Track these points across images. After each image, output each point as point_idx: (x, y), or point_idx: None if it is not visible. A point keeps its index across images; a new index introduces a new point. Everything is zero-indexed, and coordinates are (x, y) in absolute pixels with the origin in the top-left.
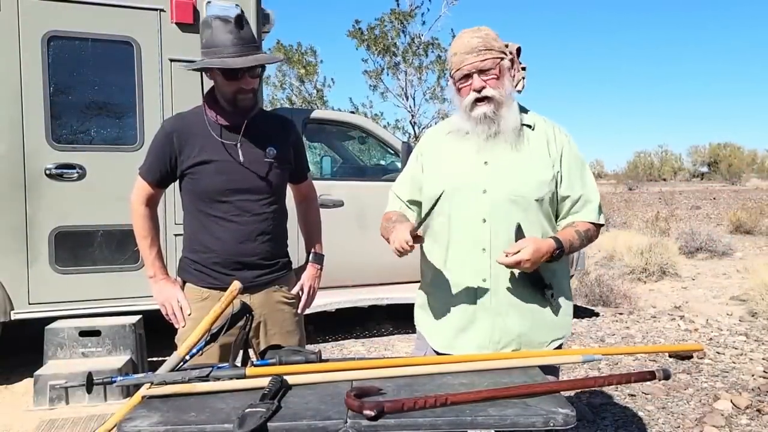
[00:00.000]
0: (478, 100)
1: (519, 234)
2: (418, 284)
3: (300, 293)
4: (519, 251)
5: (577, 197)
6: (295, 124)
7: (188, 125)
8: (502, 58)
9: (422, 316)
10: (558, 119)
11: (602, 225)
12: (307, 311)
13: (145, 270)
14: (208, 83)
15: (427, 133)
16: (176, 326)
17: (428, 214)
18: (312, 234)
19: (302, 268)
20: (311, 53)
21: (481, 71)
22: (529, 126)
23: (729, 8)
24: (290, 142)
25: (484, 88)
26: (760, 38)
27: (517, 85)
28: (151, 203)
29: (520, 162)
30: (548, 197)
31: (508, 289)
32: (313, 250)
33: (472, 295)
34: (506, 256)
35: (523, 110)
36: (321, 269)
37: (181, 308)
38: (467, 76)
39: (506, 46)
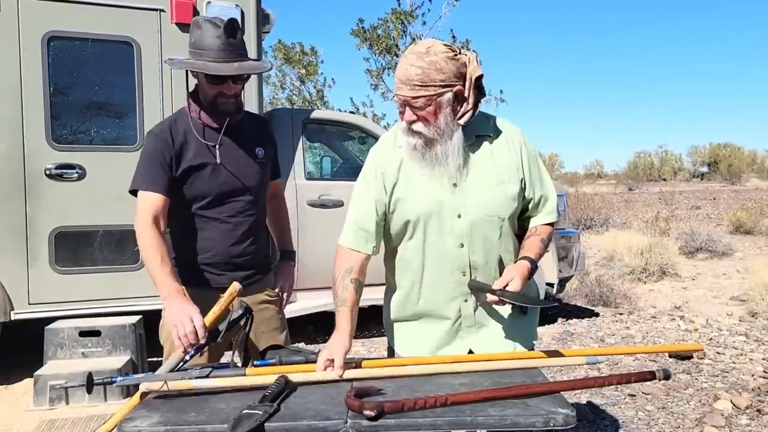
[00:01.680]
0: (409, 130)
1: (501, 266)
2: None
3: (281, 291)
4: (507, 285)
5: (539, 198)
6: (268, 122)
7: (179, 130)
8: (440, 94)
9: (397, 331)
10: (558, 119)
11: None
12: (308, 311)
13: (158, 290)
14: (193, 83)
15: (378, 149)
16: (183, 352)
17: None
18: (284, 230)
19: (277, 266)
20: (312, 53)
21: (413, 106)
22: (489, 136)
23: (729, 8)
24: (270, 140)
25: (414, 122)
26: (760, 38)
27: (461, 117)
28: (160, 221)
29: (488, 180)
30: (516, 209)
31: (489, 308)
32: (286, 247)
33: (455, 315)
34: (495, 292)
35: (482, 118)
36: (294, 265)
37: (195, 331)
38: (402, 104)
39: (464, 66)
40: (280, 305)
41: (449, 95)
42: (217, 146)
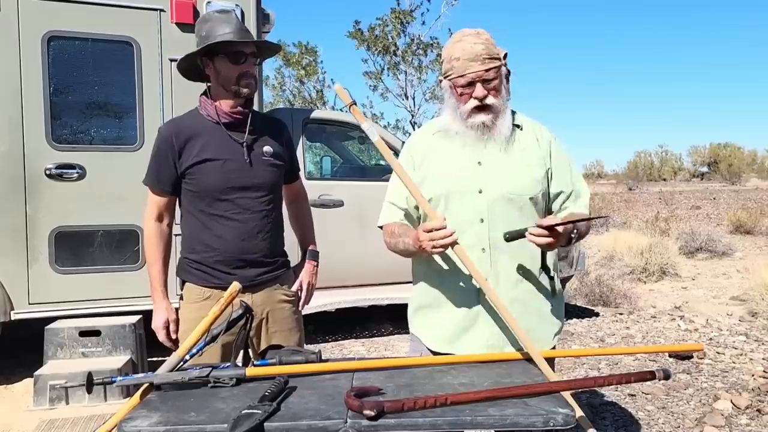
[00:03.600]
0: (478, 108)
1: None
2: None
3: (299, 291)
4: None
5: (569, 192)
6: (286, 126)
7: (185, 127)
8: (501, 66)
9: (419, 318)
10: (558, 119)
11: None
12: (308, 311)
13: (149, 283)
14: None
15: (413, 136)
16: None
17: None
18: (306, 232)
19: (299, 266)
20: (311, 53)
21: (485, 80)
22: (517, 126)
23: (729, 8)
24: (284, 142)
25: (486, 97)
26: (760, 38)
27: (509, 94)
28: (164, 217)
29: (512, 161)
30: (540, 195)
31: (510, 287)
32: (308, 248)
33: (475, 294)
34: (529, 228)
35: (511, 112)
36: (317, 265)
37: (170, 333)
38: (470, 84)
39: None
40: (297, 305)
41: (504, 69)
42: (233, 141)
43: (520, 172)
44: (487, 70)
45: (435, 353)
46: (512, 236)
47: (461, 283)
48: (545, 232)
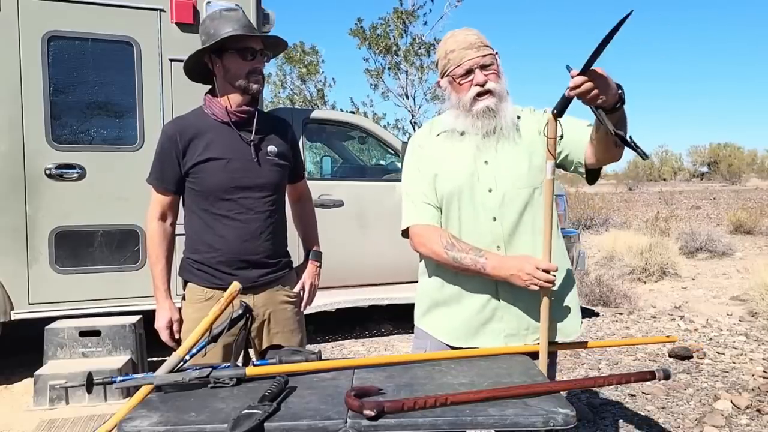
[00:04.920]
0: (480, 95)
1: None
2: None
3: (301, 292)
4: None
5: (583, 124)
6: (291, 125)
7: (190, 126)
8: (496, 55)
9: (435, 314)
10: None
11: None
12: (308, 311)
13: (151, 283)
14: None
15: (417, 137)
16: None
17: None
18: (309, 232)
19: (301, 267)
20: (313, 53)
21: (482, 66)
22: (518, 117)
23: (729, 8)
24: (289, 141)
25: (486, 82)
26: (760, 38)
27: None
28: (167, 216)
29: (517, 155)
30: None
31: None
32: (311, 248)
33: (493, 291)
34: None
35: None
36: (320, 266)
37: (173, 333)
38: (468, 72)
39: None
40: (299, 306)
41: (499, 61)
42: (242, 140)
43: (524, 164)
44: (483, 56)
45: (453, 348)
46: (559, 109)
47: (476, 283)
48: (583, 78)
